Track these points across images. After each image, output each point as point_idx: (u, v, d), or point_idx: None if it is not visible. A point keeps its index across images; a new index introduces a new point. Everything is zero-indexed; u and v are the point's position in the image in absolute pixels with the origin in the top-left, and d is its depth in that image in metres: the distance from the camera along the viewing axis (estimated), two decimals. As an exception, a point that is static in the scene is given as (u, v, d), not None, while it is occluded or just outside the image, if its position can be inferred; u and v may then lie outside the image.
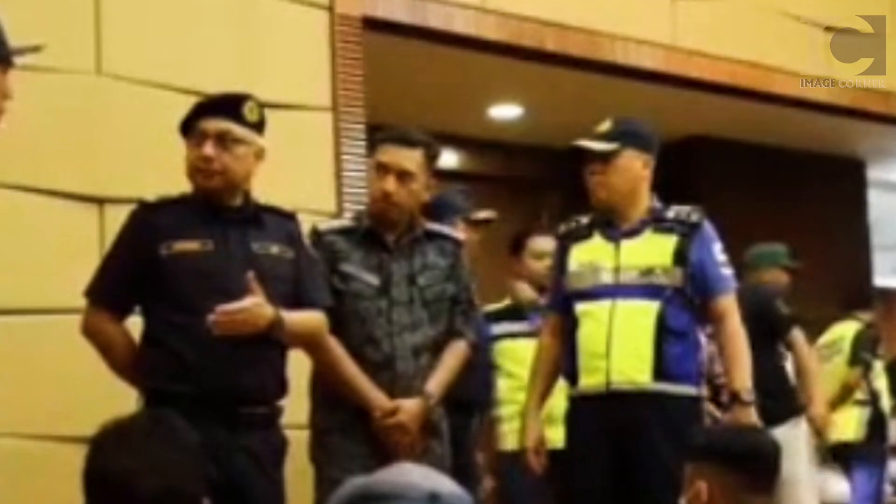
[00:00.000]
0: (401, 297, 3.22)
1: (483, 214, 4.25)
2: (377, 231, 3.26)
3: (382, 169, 3.23)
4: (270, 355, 2.93)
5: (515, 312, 4.40)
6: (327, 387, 3.21)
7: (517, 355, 4.27)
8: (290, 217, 3.10)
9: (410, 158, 3.24)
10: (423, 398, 3.18)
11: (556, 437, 3.74)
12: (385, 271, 3.22)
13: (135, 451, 1.68)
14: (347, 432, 3.15)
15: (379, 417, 3.13)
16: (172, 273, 2.86)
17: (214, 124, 2.91)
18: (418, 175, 3.25)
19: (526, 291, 4.40)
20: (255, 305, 2.81)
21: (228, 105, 2.94)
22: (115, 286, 2.95)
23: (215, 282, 2.86)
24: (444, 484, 1.37)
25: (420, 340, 3.21)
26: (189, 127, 2.96)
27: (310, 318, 3.01)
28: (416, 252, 3.27)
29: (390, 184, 3.21)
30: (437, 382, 3.22)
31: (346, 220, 3.40)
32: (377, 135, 3.39)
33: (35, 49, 2.54)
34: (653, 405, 3.28)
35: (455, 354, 3.29)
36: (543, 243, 4.37)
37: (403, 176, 3.22)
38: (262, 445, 2.89)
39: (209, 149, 2.89)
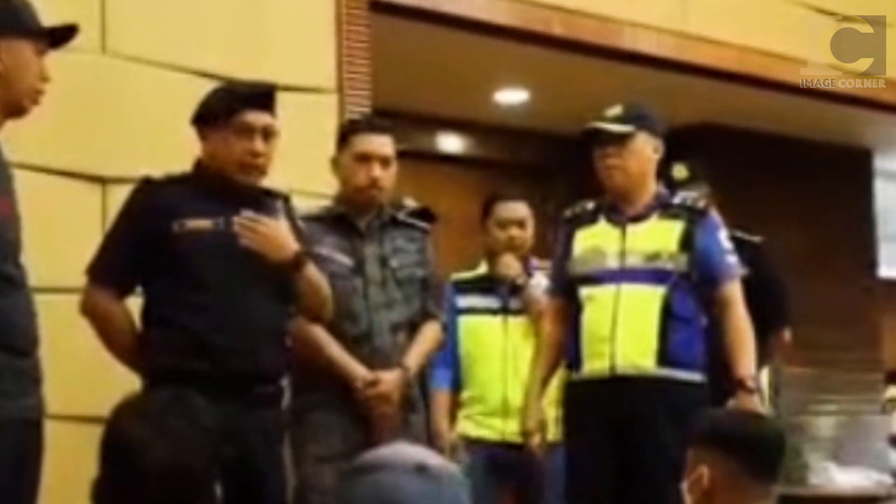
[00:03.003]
0: (374, 277, 3.30)
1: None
2: (349, 216, 3.33)
3: (364, 158, 3.32)
4: (280, 335, 2.95)
5: (486, 285, 4.09)
6: (305, 368, 3.22)
7: (478, 333, 4.05)
8: (285, 199, 3.12)
9: (388, 144, 3.36)
10: (403, 370, 3.24)
11: (511, 429, 3.75)
12: (358, 253, 3.31)
13: (149, 424, 1.70)
14: (328, 408, 3.20)
15: (360, 389, 3.18)
16: (185, 251, 2.86)
17: (261, 119, 2.95)
18: (394, 160, 3.36)
19: (511, 267, 4.04)
20: (280, 227, 2.88)
21: (269, 99, 2.98)
22: (119, 264, 2.94)
23: (229, 260, 2.88)
24: (432, 457, 1.39)
25: (396, 318, 3.30)
26: (224, 115, 2.93)
27: (321, 276, 3.02)
28: (385, 236, 3.36)
29: (377, 170, 3.30)
30: (414, 357, 3.29)
31: (314, 209, 3.42)
32: (347, 125, 3.48)
33: (71, 30, 2.54)
34: (656, 390, 3.28)
35: (429, 334, 3.37)
36: (508, 210, 4.11)
37: (385, 162, 3.33)
38: (271, 424, 2.92)
39: (261, 145, 2.92)
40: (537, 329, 3.77)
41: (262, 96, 2.98)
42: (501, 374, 3.90)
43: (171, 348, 2.83)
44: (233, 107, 2.94)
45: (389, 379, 3.20)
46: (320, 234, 3.29)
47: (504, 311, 4.08)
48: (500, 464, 3.98)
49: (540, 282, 3.99)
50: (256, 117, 2.93)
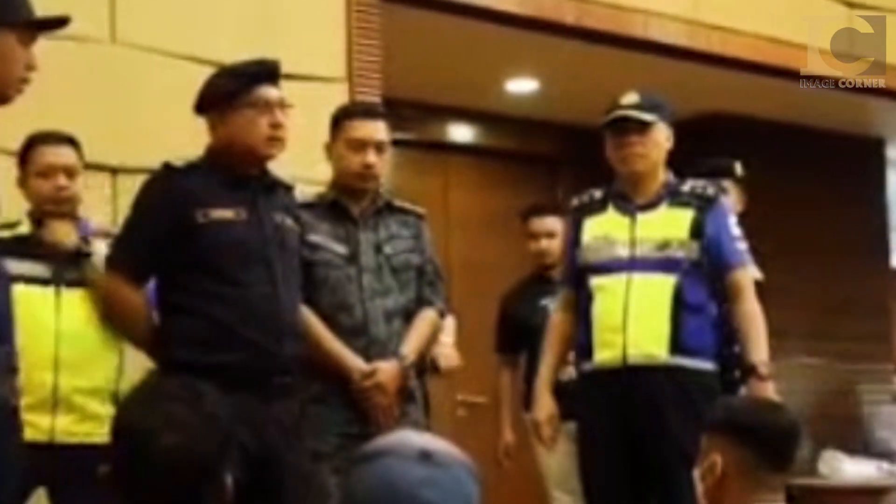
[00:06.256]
0: (369, 265, 3.26)
1: None
2: (343, 203, 3.30)
3: (358, 143, 3.29)
4: (298, 325, 2.95)
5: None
6: (304, 358, 3.20)
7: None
8: (289, 188, 3.12)
9: (382, 130, 3.33)
10: (399, 360, 3.21)
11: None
12: (352, 241, 3.27)
13: (157, 411, 1.69)
14: (326, 401, 3.16)
15: (357, 380, 3.15)
16: (209, 241, 2.85)
17: (276, 93, 2.96)
18: (388, 146, 3.33)
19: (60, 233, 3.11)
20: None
21: (278, 73, 2.98)
22: (140, 252, 2.91)
23: (253, 252, 2.88)
24: (437, 443, 1.38)
25: (391, 306, 3.25)
26: (242, 93, 2.92)
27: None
28: (380, 223, 3.32)
29: (371, 156, 3.27)
30: (410, 346, 3.25)
31: (308, 196, 3.37)
32: (340, 111, 3.42)
33: (60, 22, 2.50)
34: (669, 379, 3.27)
35: (425, 321, 3.32)
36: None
37: (380, 147, 3.30)
38: (287, 415, 2.91)
39: (281, 116, 2.94)
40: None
41: (272, 71, 2.99)
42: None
43: (192, 339, 2.81)
44: (249, 84, 2.93)
45: (386, 369, 3.17)
46: (314, 222, 3.25)
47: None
48: None
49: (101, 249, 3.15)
50: (272, 92, 2.95)
